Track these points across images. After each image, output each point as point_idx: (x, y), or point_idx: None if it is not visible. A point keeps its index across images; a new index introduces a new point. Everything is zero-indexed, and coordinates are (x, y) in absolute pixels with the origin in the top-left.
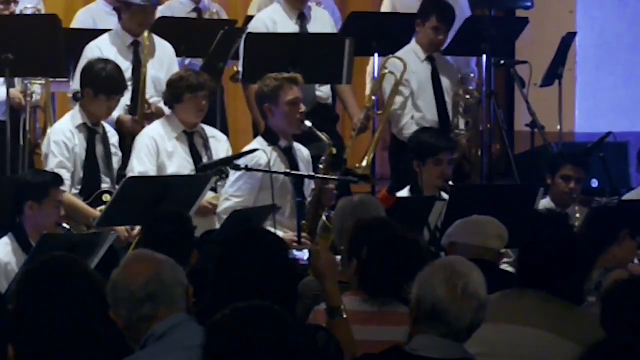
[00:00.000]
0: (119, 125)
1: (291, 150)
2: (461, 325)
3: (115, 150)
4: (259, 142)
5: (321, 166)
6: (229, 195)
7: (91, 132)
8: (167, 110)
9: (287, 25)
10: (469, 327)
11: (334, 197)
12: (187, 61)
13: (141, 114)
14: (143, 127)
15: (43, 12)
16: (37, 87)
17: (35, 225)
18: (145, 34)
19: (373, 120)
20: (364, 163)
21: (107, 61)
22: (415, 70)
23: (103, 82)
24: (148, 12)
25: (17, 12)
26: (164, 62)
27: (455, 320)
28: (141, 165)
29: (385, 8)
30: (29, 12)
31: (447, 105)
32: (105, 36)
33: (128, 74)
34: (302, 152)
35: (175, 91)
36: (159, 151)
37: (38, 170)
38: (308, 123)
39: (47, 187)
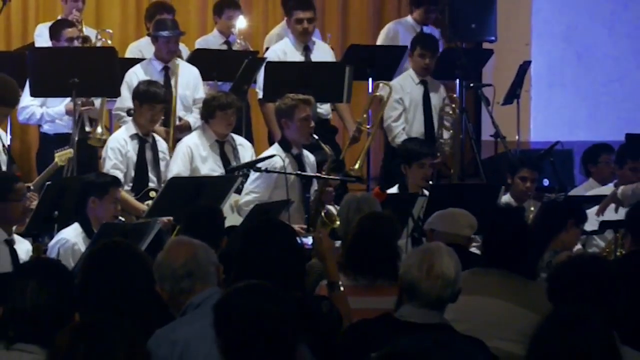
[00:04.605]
0: None
1: (301, 156)
2: (430, 298)
3: (164, 156)
4: (275, 149)
5: (324, 171)
6: (249, 191)
7: (142, 140)
8: (192, 122)
9: (294, 55)
10: (438, 300)
11: (332, 197)
12: (219, 84)
13: (173, 126)
14: (174, 137)
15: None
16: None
17: (96, 217)
18: (178, 62)
19: (367, 132)
20: (356, 166)
21: (148, 80)
22: (410, 91)
23: (144, 93)
24: (172, 41)
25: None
26: (190, 82)
27: (425, 294)
28: (176, 167)
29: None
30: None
31: (433, 120)
32: (140, 64)
33: None
34: (309, 157)
35: (208, 108)
36: (193, 156)
37: (101, 173)
38: (315, 136)
39: (107, 186)
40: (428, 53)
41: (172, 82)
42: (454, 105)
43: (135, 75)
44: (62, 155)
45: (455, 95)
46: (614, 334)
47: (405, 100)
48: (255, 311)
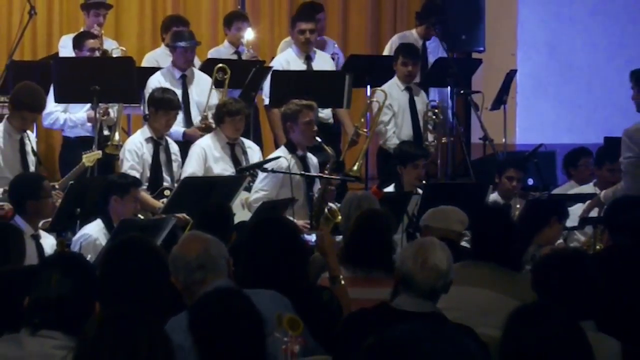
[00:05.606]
0: (186, 137)
1: (305, 157)
2: (424, 289)
3: (176, 157)
4: (281, 151)
5: (326, 171)
6: (257, 190)
7: (156, 143)
8: None
9: (297, 64)
10: (432, 291)
11: (334, 195)
12: (229, 91)
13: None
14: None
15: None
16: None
17: (117, 214)
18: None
19: (365, 135)
20: (355, 167)
21: (162, 88)
22: (397, 97)
23: (159, 101)
24: (189, 51)
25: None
26: (204, 90)
27: (420, 286)
28: (191, 167)
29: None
30: (116, 52)
31: (419, 123)
32: (161, 72)
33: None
34: (312, 159)
35: (219, 114)
36: (206, 157)
37: (123, 174)
38: (318, 139)
39: (129, 187)
40: (410, 61)
41: (225, 86)
42: (437, 111)
43: (158, 83)
44: (90, 157)
45: (439, 101)
46: (580, 325)
47: (393, 106)
48: (226, 313)
